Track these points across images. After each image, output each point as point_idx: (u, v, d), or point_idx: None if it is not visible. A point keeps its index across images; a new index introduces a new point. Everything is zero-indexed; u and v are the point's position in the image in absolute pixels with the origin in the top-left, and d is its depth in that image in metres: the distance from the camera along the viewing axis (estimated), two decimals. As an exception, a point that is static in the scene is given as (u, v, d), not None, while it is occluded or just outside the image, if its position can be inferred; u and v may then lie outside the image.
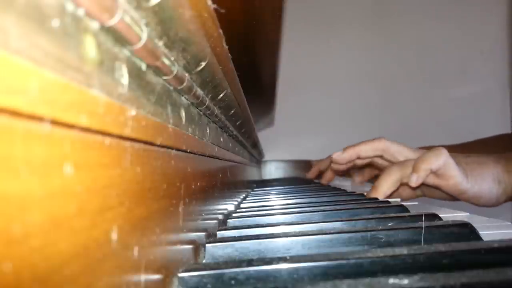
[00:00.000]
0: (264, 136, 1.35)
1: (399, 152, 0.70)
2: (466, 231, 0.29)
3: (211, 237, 0.34)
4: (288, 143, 1.72)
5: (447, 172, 0.61)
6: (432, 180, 0.62)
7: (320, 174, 1.23)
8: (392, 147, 0.70)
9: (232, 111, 0.45)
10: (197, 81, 0.27)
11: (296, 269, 0.23)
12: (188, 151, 0.27)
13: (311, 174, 1.26)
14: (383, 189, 0.62)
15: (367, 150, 0.73)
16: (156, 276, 0.20)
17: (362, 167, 0.89)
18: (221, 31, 0.27)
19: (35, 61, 0.10)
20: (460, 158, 0.66)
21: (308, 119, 1.74)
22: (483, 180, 0.64)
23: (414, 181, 0.59)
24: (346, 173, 1.05)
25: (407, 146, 0.71)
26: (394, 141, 0.72)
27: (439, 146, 0.63)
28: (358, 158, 0.76)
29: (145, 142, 0.19)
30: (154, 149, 0.20)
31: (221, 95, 0.35)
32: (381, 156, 0.73)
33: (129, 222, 0.16)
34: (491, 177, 0.64)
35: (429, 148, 0.67)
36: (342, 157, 0.76)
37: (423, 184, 0.64)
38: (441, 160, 0.59)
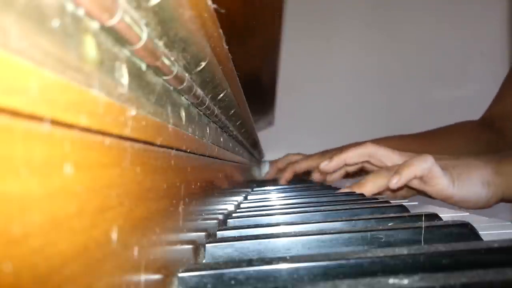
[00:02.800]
0: (264, 136, 1.35)
1: (386, 156, 0.69)
2: (466, 231, 0.29)
3: (211, 237, 0.34)
4: (288, 143, 1.72)
5: (432, 178, 0.60)
6: (417, 185, 0.62)
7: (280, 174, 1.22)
8: (379, 152, 0.69)
9: (232, 111, 0.45)
10: (197, 81, 0.27)
11: (296, 269, 0.23)
12: (188, 151, 0.27)
13: (270, 175, 1.24)
14: (367, 189, 0.63)
15: (353, 157, 0.73)
16: (156, 276, 0.20)
17: (356, 172, 0.88)
18: (221, 31, 0.27)
19: (35, 61, 0.10)
20: (447, 161, 0.65)
21: (308, 119, 1.74)
22: (470, 184, 0.62)
23: (394, 183, 0.58)
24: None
25: (395, 150, 0.70)
26: (381, 145, 0.71)
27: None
28: (346, 165, 0.75)
29: (145, 142, 0.19)
30: (154, 149, 0.20)
31: (221, 95, 0.35)
32: (368, 161, 0.73)
33: (129, 222, 0.16)
34: (479, 180, 0.63)
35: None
36: (330, 166, 0.75)
37: (409, 187, 0.64)
38: (426, 166, 0.59)
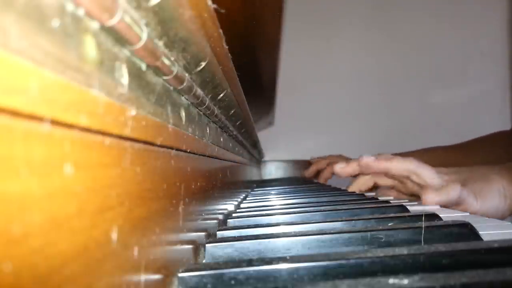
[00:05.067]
0: (264, 136, 1.35)
1: (429, 176, 0.65)
2: (466, 231, 0.29)
3: (211, 237, 0.34)
4: (288, 143, 1.72)
5: (461, 204, 0.61)
6: (451, 205, 0.62)
7: (318, 173, 1.23)
8: (424, 172, 0.65)
9: (232, 111, 0.45)
10: (197, 81, 0.27)
11: (296, 269, 0.23)
12: (188, 151, 0.27)
13: (309, 173, 1.25)
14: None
15: (397, 169, 0.67)
16: (156, 276, 0.20)
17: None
18: (221, 31, 0.27)
19: (35, 61, 0.10)
20: (467, 176, 0.65)
21: (308, 119, 1.74)
22: (491, 198, 0.63)
23: (429, 198, 0.58)
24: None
25: (435, 170, 0.66)
26: (425, 163, 0.67)
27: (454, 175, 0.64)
28: (386, 174, 0.71)
29: (145, 142, 0.19)
30: (154, 149, 0.20)
31: (221, 95, 0.35)
32: (408, 177, 0.68)
33: (129, 222, 0.16)
34: (497, 194, 0.64)
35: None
36: (373, 166, 0.70)
37: None
38: (456, 194, 0.59)
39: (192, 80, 0.26)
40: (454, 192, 0.59)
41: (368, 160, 0.70)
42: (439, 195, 0.58)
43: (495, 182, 0.64)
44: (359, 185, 0.77)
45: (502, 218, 0.65)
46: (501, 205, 0.64)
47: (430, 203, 0.58)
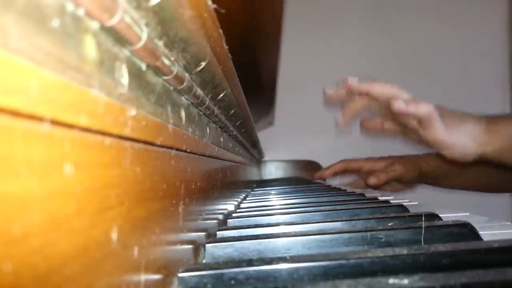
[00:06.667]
0: (264, 136, 1.35)
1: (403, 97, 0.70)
2: (466, 231, 0.29)
3: (211, 237, 0.34)
4: (288, 143, 1.72)
5: (430, 121, 0.65)
6: (414, 126, 0.66)
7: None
8: (403, 95, 0.70)
9: (232, 111, 0.45)
10: (197, 81, 0.27)
11: (296, 269, 0.23)
12: (188, 151, 0.27)
13: (324, 176, 1.23)
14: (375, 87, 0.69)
15: (378, 89, 0.73)
16: (156, 276, 0.20)
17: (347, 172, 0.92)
18: (221, 31, 0.27)
19: (35, 61, 0.10)
20: (445, 110, 0.69)
21: (308, 119, 1.73)
22: (461, 134, 0.68)
23: (399, 106, 0.62)
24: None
25: (409, 96, 0.71)
26: (404, 90, 0.72)
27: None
28: (368, 94, 0.75)
29: (145, 142, 0.19)
30: (154, 149, 0.20)
31: (221, 95, 0.35)
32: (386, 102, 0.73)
33: (129, 222, 0.16)
34: (468, 134, 0.68)
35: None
36: (356, 88, 0.75)
37: (404, 126, 0.69)
38: (427, 110, 0.63)
39: (192, 80, 0.26)
40: (425, 107, 0.62)
41: (353, 80, 0.75)
42: (409, 104, 0.61)
43: (470, 122, 0.69)
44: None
45: (469, 157, 0.69)
46: (469, 145, 0.68)
47: (398, 108, 0.60)
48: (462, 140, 0.68)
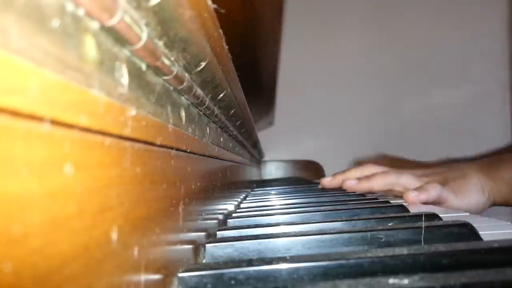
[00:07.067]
0: (264, 136, 1.35)
1: (409, 183, 0.70)
2: (466, 231, 0.29)
3: (211, 237, 0.34)
4: (288, 143, 1.72)
5: (442, 202, 0.65)
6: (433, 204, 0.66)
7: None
8: (402, 180, 0.71)
9: (232, 111, 0.45)
10: (197, 81, 0.27)
11: (296, 269, 0.23)
12: (188, 151, 0.27)
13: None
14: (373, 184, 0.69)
15: (379, 185, 0.73)
16: (156, 276, 0.20)
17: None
18: (221, 31, 0.27)
19: (35, 61, 0.10)
20: (446, 175, 0.70)
21: (308, 119, 1.73)
22: (471, 194, 0.68)
23: (413, 196, 0.61)
24: None
25: (415, 175, 0.72)
26: (402, 172, 0.72)
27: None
28: (371, 192, 0.75)
29: (145, 142, 0.19)
30: (154, 149, 0.20)
31: (221, 95, 0.35)
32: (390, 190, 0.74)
33: (129, 222, 0.16)
34: (477, 190, 0.69)
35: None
36: (356, 188, 0.75)
37: None
38: (436, 193, 0.63)
39: (192, 80, 0.26)
40: (434, 191, 0.63)
41: (351, 184, 0.74)
42: (420, 194, 0.61)
43: (473, 178, 0.70)
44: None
45: (483, 210, 0.70)
46: (481, 198, 0.69)
47: (412, 202, 0.60)
48: (475, 199, 0.68)
